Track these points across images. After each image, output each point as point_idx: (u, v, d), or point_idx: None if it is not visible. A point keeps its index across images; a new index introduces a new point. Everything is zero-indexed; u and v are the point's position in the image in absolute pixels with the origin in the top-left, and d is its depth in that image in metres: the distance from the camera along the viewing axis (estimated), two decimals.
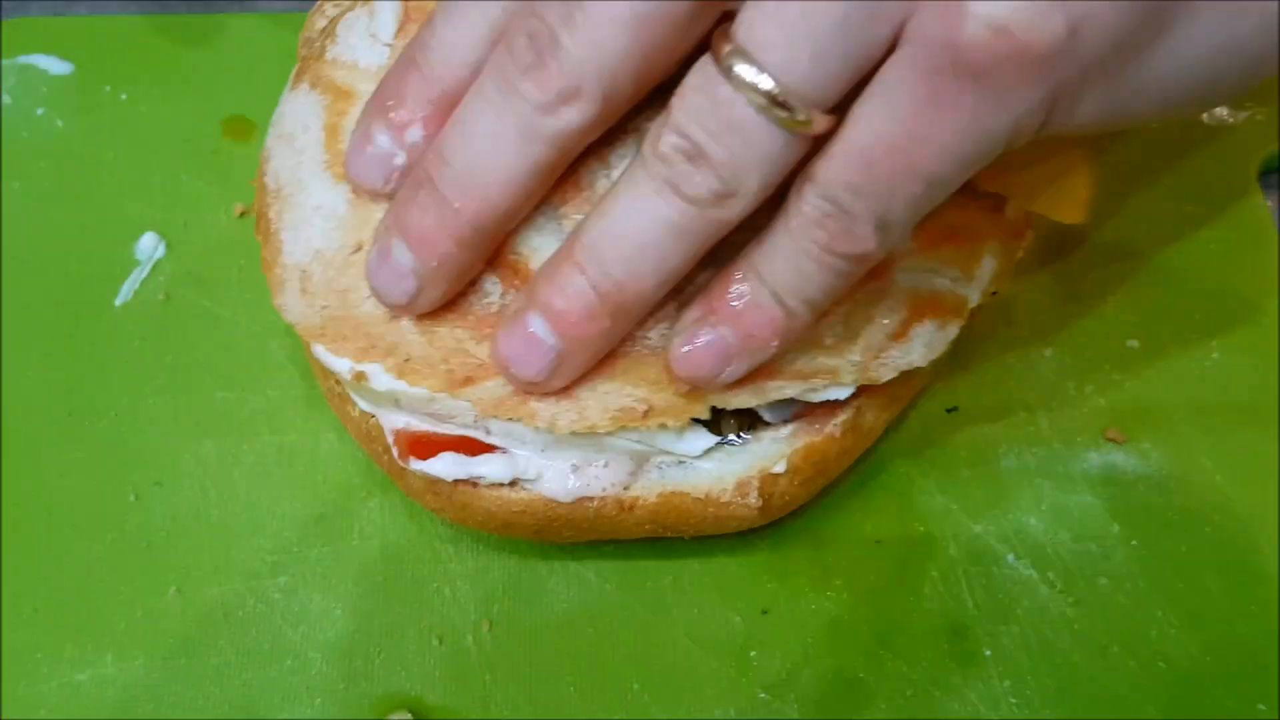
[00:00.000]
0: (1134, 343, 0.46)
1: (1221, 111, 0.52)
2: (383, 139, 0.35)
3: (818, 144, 0.31)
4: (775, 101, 0.30)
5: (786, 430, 0.40)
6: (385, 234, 0.35)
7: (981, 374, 0.46)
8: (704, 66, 0.31)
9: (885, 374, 0.38)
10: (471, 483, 0.39)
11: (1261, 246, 0.49)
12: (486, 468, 0.38)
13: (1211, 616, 0.41)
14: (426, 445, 0.38)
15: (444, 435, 0.38)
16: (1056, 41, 0.29)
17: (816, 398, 0.38)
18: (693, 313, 0.35)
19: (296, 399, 0.44)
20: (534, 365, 0.35)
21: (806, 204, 0.31)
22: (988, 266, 0.40)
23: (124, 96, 0.52)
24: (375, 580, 0.41)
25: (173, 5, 0.56)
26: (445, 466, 0.38)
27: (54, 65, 0.53)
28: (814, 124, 0.30)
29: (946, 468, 0.44)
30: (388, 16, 0.39)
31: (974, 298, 0.40)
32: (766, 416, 0.40)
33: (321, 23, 0.42)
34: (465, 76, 0.34)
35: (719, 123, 0.30)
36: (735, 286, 0.34)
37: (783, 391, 0.37)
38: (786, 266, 0.33)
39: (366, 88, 0.38)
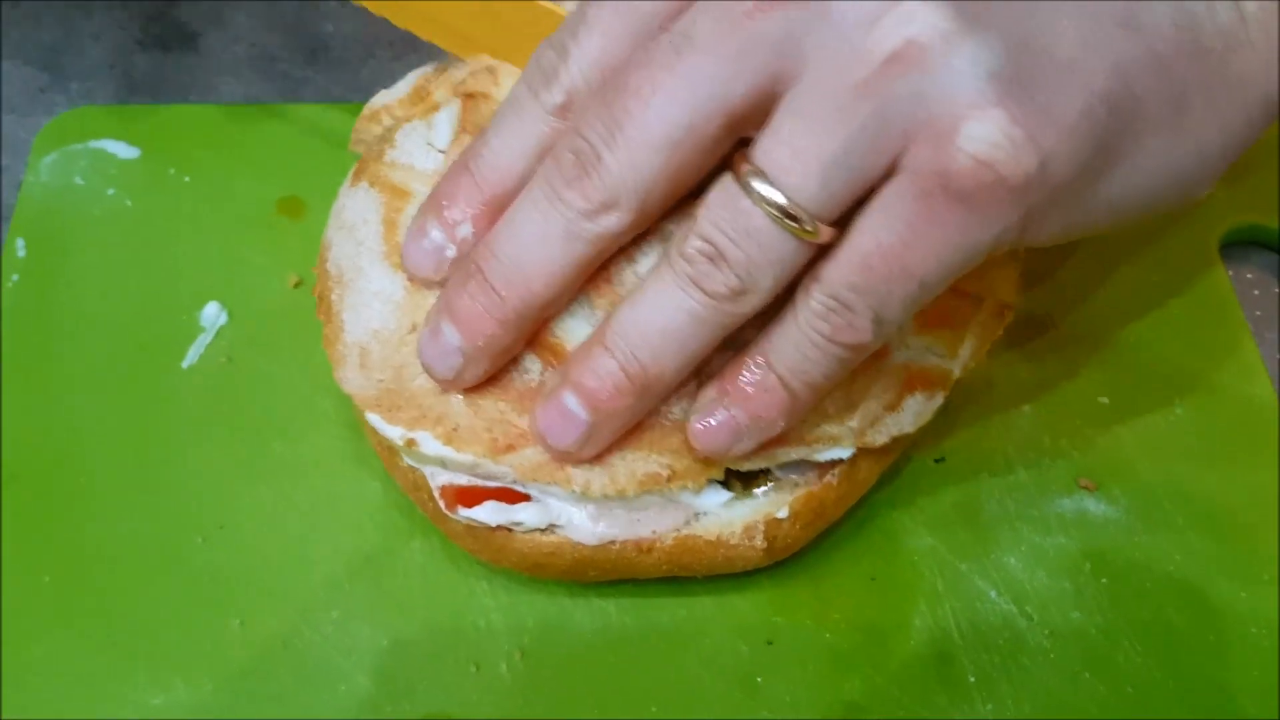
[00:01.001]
0: (1104, 399, 0.49)
1: None
2: (436, 234, 0.38)
3: (821, 250, 0.34)
4: (787, 214, 0.33)
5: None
6: (436, 316, 0.38)
7: (966, 429, 0.48)
8: (725, 182, 0.34)
9: (879, 439, 0.41)
10: (507, 528, 0.41)
11: (1222, 313, 0.51)
12: (524, 514, 0.40)
13: (1173, 646, 0.43)
14: (471, 495, 0.40)
15: (486, 486, 0.40)
16: (1030, 173, 0.33)
17: (820, 458, 0.41)
18: (709, 393, 0.38)
19: (345, 450, 0.46)
20: (568, 436, 0.38)
21: (814, 300, 0.35)
22: (969, 345, 0.43)
23: (187, 179, 0.54)
24: (417, 613, 0.43)
25: (228, 95, 0.60)
26: (488, 513, 0.40)
27: (122, 150, 0.55)
28: (819, 234, 0.34)
29: (934, 512, 0.46)
30: (444, 128, 0.42)
31: (957, 371, 0.43)
32: (778, 474, 0.42)
33: (378, 129, 0.45)
34: (512, 184, 0.37)
35: (738, 231, 0.34)
36: (747, 371, 0.37)
37: (789, 455, 0.40)
38: (794, 354, 0.36)
39: (420, 187, 0.41)
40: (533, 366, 0.39)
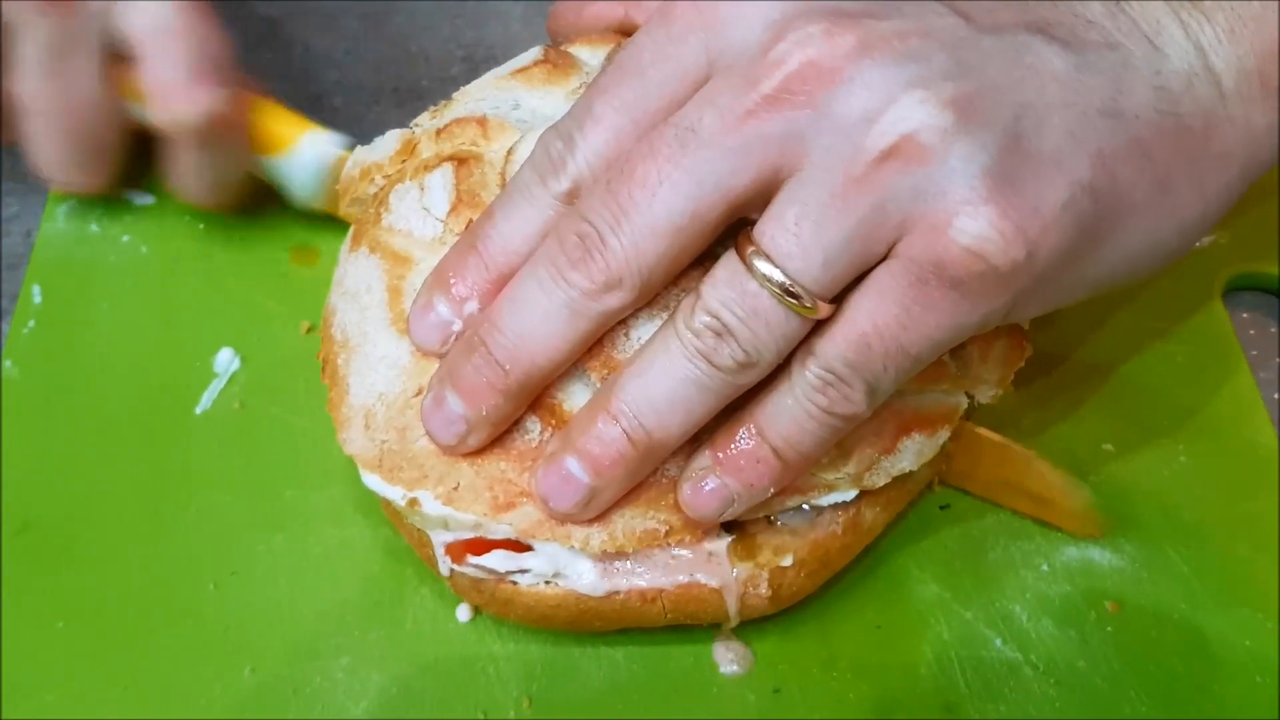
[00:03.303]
0: (1109, 446, 0.49)
1: None
2: (443, 309, 0.40)
3: (818, 325, 0.36)
4: (789, 293, 0.35)
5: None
6: (440, 385, 0.39)
7: None
8: (730, 261, 0.36)
9: (879, 481, 0.42)
10: (512, 581, 0.41)
11: (1225, 360, 0.52)
12: (533, 561, 0.41)
13: (1178, 696, 0.43)
14: (479, 545, 0.41)
15: (493, 539, 0.41)
16: (1018, 263, 0.35)
17: (821, 504, 0.42)
18: (701, 460, 0.39)
19: (357, 496, 0.47)
20: (569, 500, 0.39)
21: (810, 373, 0.36)
22: (995, 374, 0.44)
23: (201, 226, 0.55)
24: (427, 660, 0.43)
25: None
26: (497, 561, 0.41)
27: (137, 197, 0.56)
28: (819, 311, 0.35)
29: (940, 560, 0.46)
30: (440, 195, 0.43)
31: (985, 399, 0.43)
32: (781, 521, 0.43)
33: (370, 188, 0.46)
34: (517, 263, 0.39)
35: (745, 309, 0.35)
36: (739, 441, 0.38)
37: (784, 505, 0.41)
38: (789, 424, 0.37)
39: (422, 254, 0.42)
40: (533, 428, 0.40)
